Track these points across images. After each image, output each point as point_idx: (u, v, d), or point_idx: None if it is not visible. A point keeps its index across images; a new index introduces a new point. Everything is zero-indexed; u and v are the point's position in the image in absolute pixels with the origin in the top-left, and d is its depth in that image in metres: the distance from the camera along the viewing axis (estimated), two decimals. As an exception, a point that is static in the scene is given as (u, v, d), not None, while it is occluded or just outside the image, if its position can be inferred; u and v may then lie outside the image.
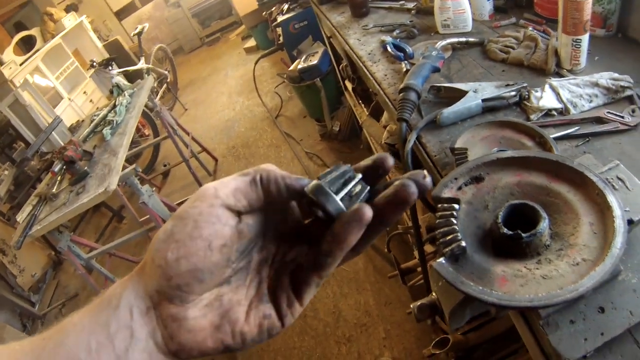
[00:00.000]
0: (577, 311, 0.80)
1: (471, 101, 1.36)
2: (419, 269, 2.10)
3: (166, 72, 7.22)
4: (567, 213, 0.85)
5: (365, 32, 2.22)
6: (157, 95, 6.43)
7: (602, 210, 0.81)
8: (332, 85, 4.58)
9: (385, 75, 1.79)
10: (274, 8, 5.73)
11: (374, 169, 0.52)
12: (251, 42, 8.75)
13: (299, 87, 4.63)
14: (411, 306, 1.37)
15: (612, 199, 0.79)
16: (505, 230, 0.82)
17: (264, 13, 6.13)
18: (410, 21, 2.13)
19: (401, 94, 1.44)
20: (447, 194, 0.97)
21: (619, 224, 0.75)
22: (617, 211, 0.77)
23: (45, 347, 0.46)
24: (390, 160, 0.51)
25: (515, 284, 0.77)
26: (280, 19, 5.20)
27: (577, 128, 1.20)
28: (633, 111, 1.18)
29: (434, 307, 1.36)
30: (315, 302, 3.22)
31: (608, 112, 1.20)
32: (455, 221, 0.88)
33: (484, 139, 1.21)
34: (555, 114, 1.27)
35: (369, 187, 0.50)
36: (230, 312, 0.50)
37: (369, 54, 2.01)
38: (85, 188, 2.98)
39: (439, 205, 0.95)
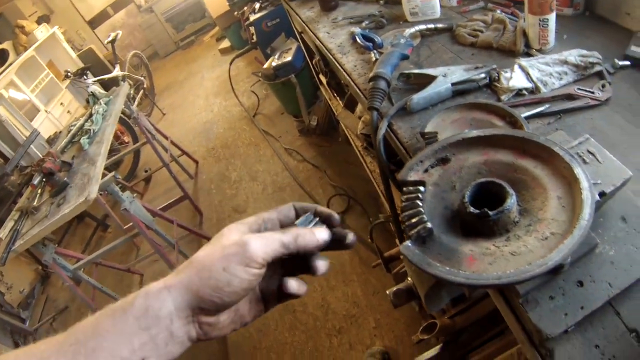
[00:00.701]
0: (556, 287, 0.80)
1: (441, 86, 1.36)
2: (402, 256, 2.11)
3: (142, 78, 7.20)
4: (535, 188, 0.85)
5: (335, 25, 2.22)
6: (134, 101, 6.40)
7: (570, 183, 0.81)
8: (307, 81, 4.58)
9: (355, 66, 1.79)
10: (245, 7, 5.73)
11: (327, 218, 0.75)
12: (225, 43, 8.75)
13: (274, 85, 4.63)
14: (387, 292, 1.37)
15: (578, 171, 0.79)
16: (472, 209, 0.82)
17: (236, 13, 6.12)
18: (379, 11, 2.13)
19: (371, 83, 1.43)
20: (412, 177, 0.96)
21: (587, 196, 0.75)
22: (584, 183, 0.77)
23: (77, 352, 0.55)
24: (336, 218, 0.75)
25: (483, 262, 0.76)
26: (252, 17, 5.22)
27: (548, 106, 1.21)
28: (603, 86, 1.20)
29: (410, 292, 1.36)
30: (303, 297, 3.17)
31: (578, 89, 1.21)
32: (420, 203, 0.88)
33: (454, 122, 1.21)
34: (526, 93, 1.28)
35: (324, 226, 0.72)
36: (240, 310, 0.70)
37: (339, 46, 2.00)
38: (65, 199, 2.95)
39: (404, 189, 0.94)
